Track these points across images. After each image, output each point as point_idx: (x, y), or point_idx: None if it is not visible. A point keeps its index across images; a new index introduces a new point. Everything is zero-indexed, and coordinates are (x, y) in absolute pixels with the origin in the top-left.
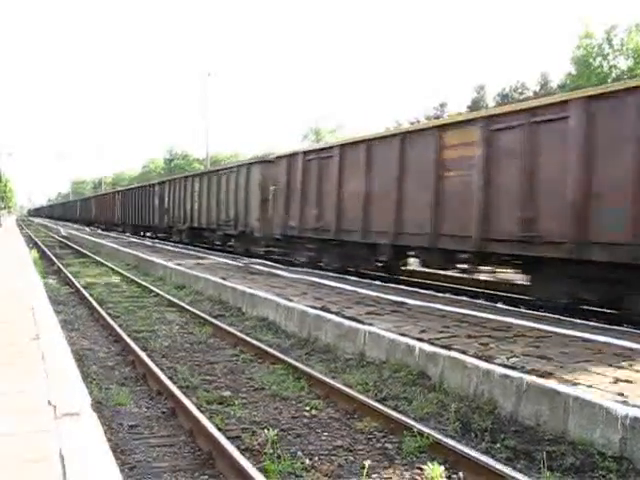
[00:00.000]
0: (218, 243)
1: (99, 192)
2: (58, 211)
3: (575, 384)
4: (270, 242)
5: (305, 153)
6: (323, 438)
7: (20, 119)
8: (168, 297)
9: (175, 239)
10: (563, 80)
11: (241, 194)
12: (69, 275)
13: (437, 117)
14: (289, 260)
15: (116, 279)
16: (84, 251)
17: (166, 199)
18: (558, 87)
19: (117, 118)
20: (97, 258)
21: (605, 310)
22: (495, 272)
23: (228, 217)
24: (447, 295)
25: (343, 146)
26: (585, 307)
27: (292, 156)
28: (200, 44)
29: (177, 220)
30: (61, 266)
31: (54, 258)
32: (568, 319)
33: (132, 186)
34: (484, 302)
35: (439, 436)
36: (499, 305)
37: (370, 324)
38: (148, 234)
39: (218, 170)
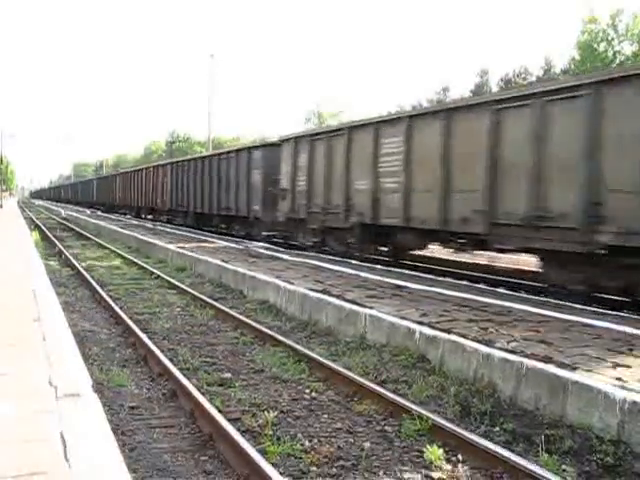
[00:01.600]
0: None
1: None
2: (59, 193)
3: (574, 368)
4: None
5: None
6: (323, 420)
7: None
8: (169, 279)
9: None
10: (567, 65)
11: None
12: (70, 257)
13: (439, 101)
14: (293, 244)
15: (117, 261)
16: (85, 233)
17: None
18: (562, 72)
19: (119, 101)
20: (98, 240)
21: (621, 298)
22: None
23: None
24: (448, 279)
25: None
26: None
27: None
28: (203, 27)
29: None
30: (62, 248)
31: (55, 240)
32: (568, 304)
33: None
34: (485, 286)
35: (438, 419)
36: (500, 290)
37: (371, 307)
38: (150, 217)
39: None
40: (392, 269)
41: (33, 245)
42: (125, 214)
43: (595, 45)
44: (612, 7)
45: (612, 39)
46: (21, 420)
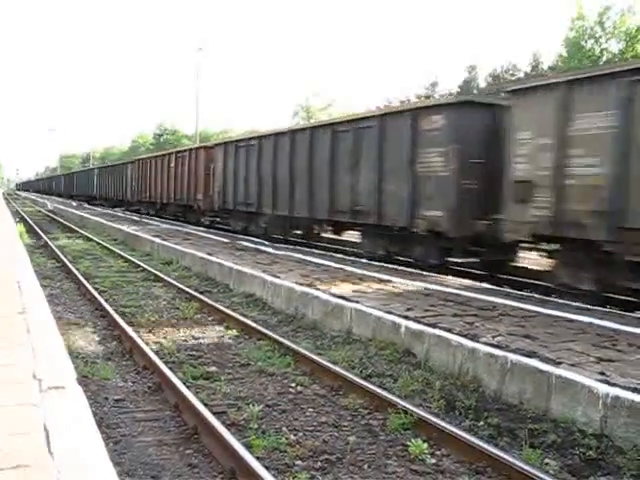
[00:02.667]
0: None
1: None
2: (50, 185)
3: (558, 363)
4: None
5: (226, 144)
6: (308, 414)
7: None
8: (155, 272)
9: (145, 212)
10: (554, 62)
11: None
12: (55, 249)
13: (428, 97)
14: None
15: (103, 253)
16: (70, 225)
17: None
18: (549, 68)
19: (106, 92)
20: (84, 232)
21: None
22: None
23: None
24: (432, 274)
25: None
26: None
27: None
28: (192, 19)
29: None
30: (48, 240)
31: (40, 232)
32: (553, 299)
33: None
34: (470, 282)
35: (423, 413)
36: (484, 285)
37: (357, 301)
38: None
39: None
40: (374, 263)
41: (18, 236)
42: (146, 212)
43: (583, 42)
44: (600, 4)
45: (599, 36)
46: (4, 413)
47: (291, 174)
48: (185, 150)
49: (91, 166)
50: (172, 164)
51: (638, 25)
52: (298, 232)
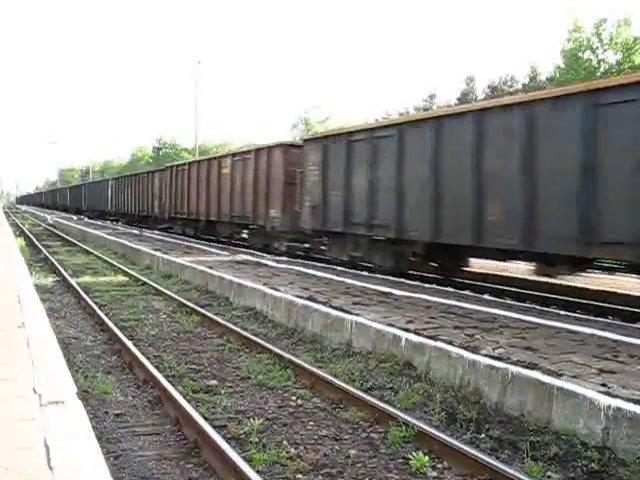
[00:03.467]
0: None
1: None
2: (53, 198)
3: (559, 375)
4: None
5: (326, 138)
6: (309, 428)
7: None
8: (155, 286)
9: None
10: (552, 73)
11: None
12: (56, 263)
13: (426, 109)
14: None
15: (103, 267)
16: (71, 239)
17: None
18: (547, 80)
19: (105, 106)
20: (84, 246)
21: None
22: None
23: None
24: (433, 286)
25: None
26: None
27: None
28: (190, 32)
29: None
30: (48, 254)
31: (40, 246)
32: (553, 311)
33: (96, 179)
34: (470, 293)
35: (424, 426)
36: (485, 296)
37: (357, 314)
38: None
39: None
40: (376, 275)
41: (18, 250)
42: (181, 232)
43: (580, 54)
44: (596, 16)
45: (596, 48)
46: (4, 428)
47: (478, 179)
48: (247, 152)
49: (90, 179)
50: (225, 170)
51: (635, 36)
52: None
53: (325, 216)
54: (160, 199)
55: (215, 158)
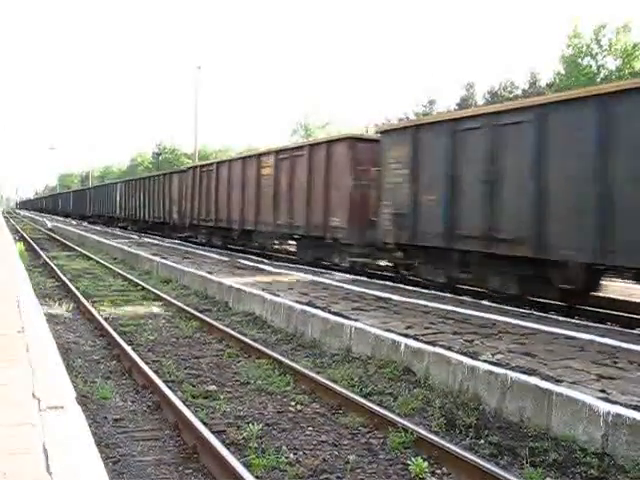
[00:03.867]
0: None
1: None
2: (56, 203)
3: (559, 381)
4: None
5: (417, 127)
6: (308, 433)
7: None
8: (154, 291)
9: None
10: (552, 79)
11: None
12: (55, 268)
13: (426, 114)
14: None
15: (102, 272)
16: (70, 244)
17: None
18: (547, 86)
19: (105, 111)
20: (83, 251)
21: None
22: None
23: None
24: (432, 291)
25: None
26: None
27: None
28: (190, 38)
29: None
30: (47, 259)
31: (40, 251)
32: (552, 316)
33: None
34: (469, 299)
35: (423, 432)
36: (484, 302)
37: (356, 320)
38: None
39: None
40: (375, 280)
41: (17, 255)
42: (207, 241)
43: (579, 59)
44: (595, 22)
45: (596, 54)
46: (3, 432)
47: None
48: (298, 147)
49: (90, 184)
50: (267, 170)
51: (634, 42)
52: None
53: (415, 227)
54: (180, 204)
55: (252, 156)
